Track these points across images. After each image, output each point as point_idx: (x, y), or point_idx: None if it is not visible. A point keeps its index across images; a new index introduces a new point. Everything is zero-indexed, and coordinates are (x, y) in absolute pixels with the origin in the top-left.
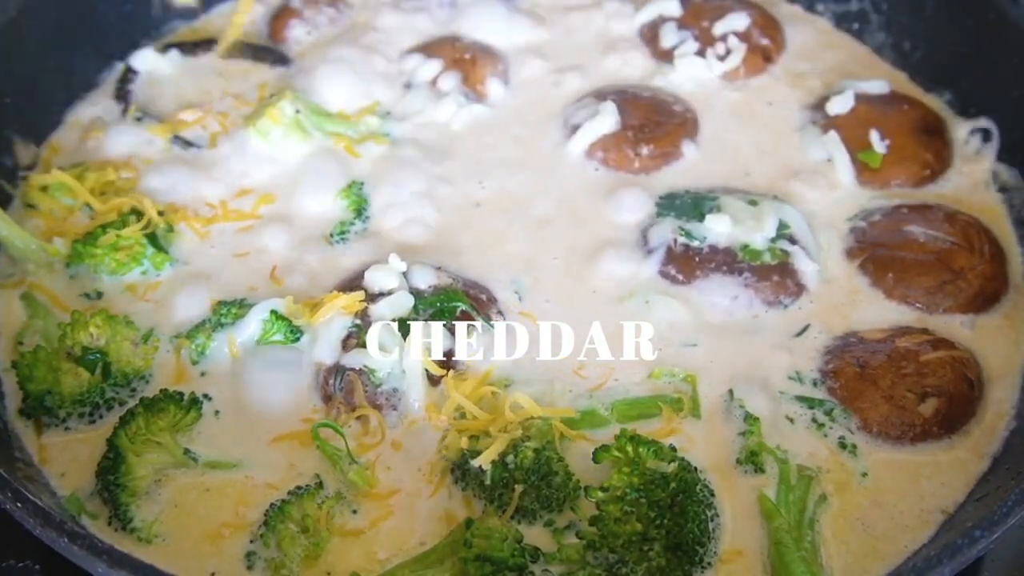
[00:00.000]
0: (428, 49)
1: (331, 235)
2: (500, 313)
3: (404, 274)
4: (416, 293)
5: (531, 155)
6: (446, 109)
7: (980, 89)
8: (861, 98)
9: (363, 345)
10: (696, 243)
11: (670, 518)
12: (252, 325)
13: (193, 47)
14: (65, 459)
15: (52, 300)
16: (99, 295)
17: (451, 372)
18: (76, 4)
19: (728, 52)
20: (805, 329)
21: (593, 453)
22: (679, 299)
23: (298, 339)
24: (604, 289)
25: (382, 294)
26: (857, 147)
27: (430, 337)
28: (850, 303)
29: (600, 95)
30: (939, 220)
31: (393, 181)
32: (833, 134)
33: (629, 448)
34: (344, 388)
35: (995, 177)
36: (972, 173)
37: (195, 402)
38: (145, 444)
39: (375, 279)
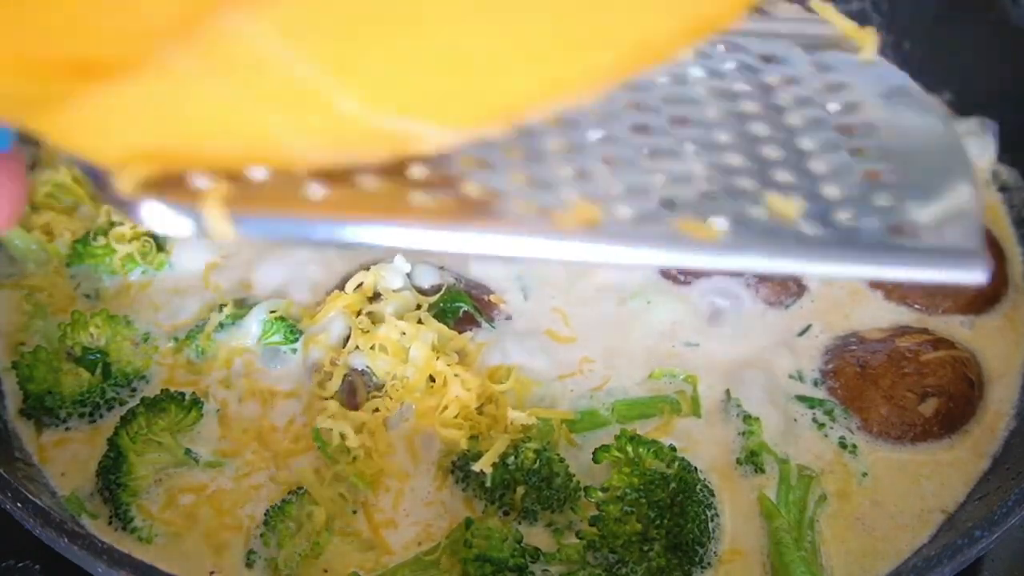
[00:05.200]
0: None
1: None
2: (504, 314)
3: (407, 274)
4: (419, 293)
5: None
6: None
7: (980, 89)
8: None
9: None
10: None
11: (670, 518)
12: (252, 325)
13: None
14: (65, 459)
15: (52, 300)
16: (99, 295)
17: (452, 373)
18: None
19: None
20: (806, 329)
21: (593, 453)
22: (680, 299)
23: (297, 340)
24: (607, 289)
25: (384, 294)
26: None
27: (432, 338)
28: (851, 303)
29: None
30: None
31: None
32: None
33: (629, 448)
34: (345, 389)
35: (995, 177)
36: None
37: (196, 402)
38: (146, 444)
39: (379, 279)
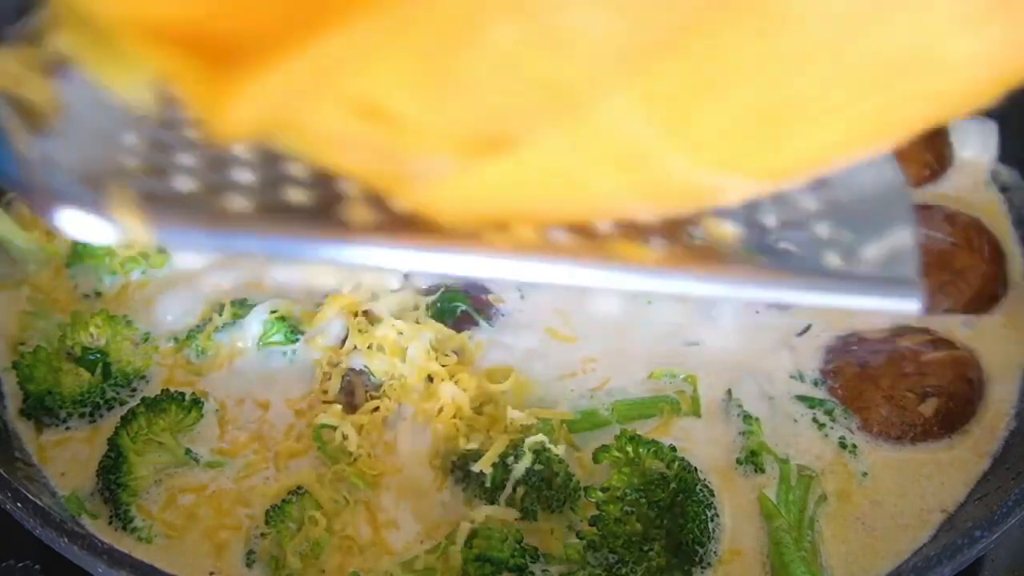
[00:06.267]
0: None
1: None
2: (502, 314)
3: (405, 274)
4: (417, 293)
5: None
6: None
7: None
8: None
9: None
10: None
11: (670, 518)
12: (253, 325)
13: None
14: (65, 459)
15: (52, 300)
16: (99, 295)
17: (447, 374)
18: None
19: None
20: (807, 329)
21: (593, 453)
22: (680, 298)
23: (298, 340)
24: (607, 289)
25: (382, 294)
26: None
27: (430, 338)
28: None
29: None
30: (939, 220)
31: None
32: None
33: (629, 448)
34: (344, 389)
35: (995, 177)
36: (972, 173)
37: (196, 402)
38: (147, 444)
39: (377, 279)
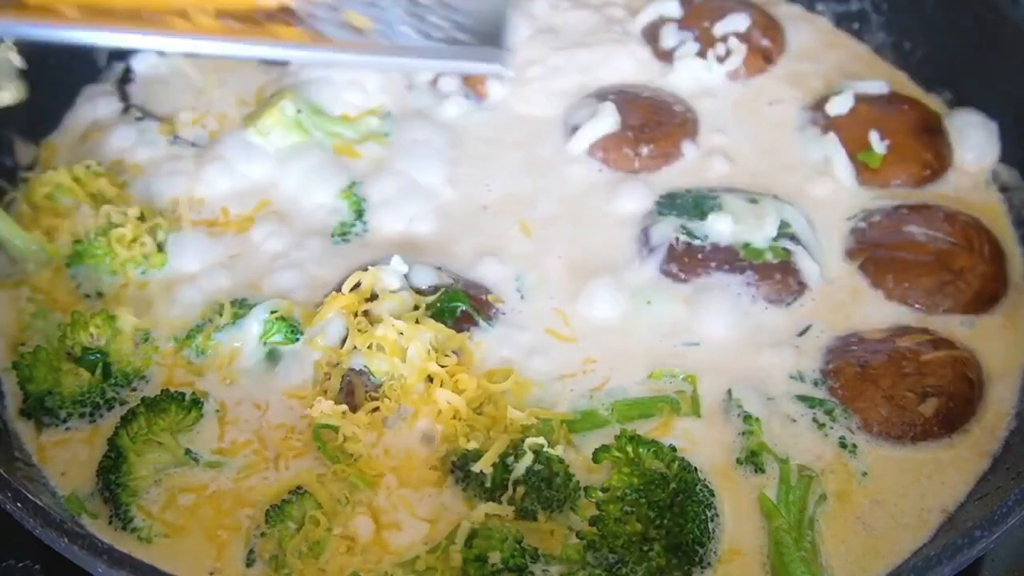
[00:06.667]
0: None
1: (332, 235)
2: (502, 313)
3: (405, 275)
4: (417, 293)
5: (533, 155)
6: (447, 110)
7: (980, 89)
8: (861, 98)
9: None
10: (698, 242)
11: (670, 518)
12: (253, 325)
13: None
14: (65, 459)
15: (52, 300)
16: (99, 295)
17: (445, 376)
18: None
19: (728, 53)
20: (807, 329)
21: (593, 453)
22: (680, 298)
23: (298, 340)
24: (606, 288)
25: (381, 295)
26: (857, 147)
27: (430, 338)
28: (851, 303)
29: (600, 95)
30: (939, 220)
31: (393, 181)
32: (832, 136)
33: (629, 448)
34: (344, 389)
35: (995, 177)
36: (972, 173)
37: (196, 402)
38: (146, 444)
39: (376, 280)
